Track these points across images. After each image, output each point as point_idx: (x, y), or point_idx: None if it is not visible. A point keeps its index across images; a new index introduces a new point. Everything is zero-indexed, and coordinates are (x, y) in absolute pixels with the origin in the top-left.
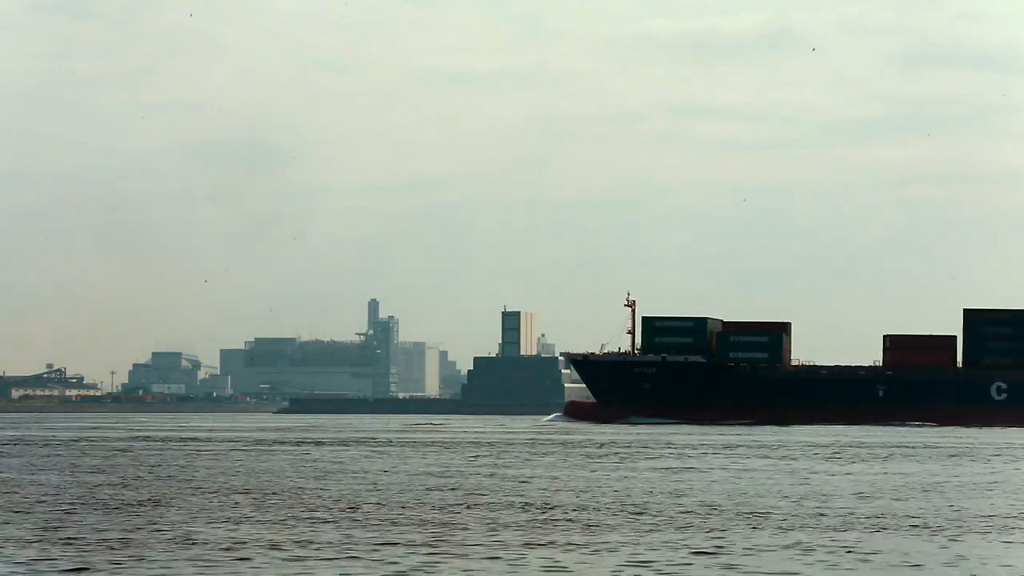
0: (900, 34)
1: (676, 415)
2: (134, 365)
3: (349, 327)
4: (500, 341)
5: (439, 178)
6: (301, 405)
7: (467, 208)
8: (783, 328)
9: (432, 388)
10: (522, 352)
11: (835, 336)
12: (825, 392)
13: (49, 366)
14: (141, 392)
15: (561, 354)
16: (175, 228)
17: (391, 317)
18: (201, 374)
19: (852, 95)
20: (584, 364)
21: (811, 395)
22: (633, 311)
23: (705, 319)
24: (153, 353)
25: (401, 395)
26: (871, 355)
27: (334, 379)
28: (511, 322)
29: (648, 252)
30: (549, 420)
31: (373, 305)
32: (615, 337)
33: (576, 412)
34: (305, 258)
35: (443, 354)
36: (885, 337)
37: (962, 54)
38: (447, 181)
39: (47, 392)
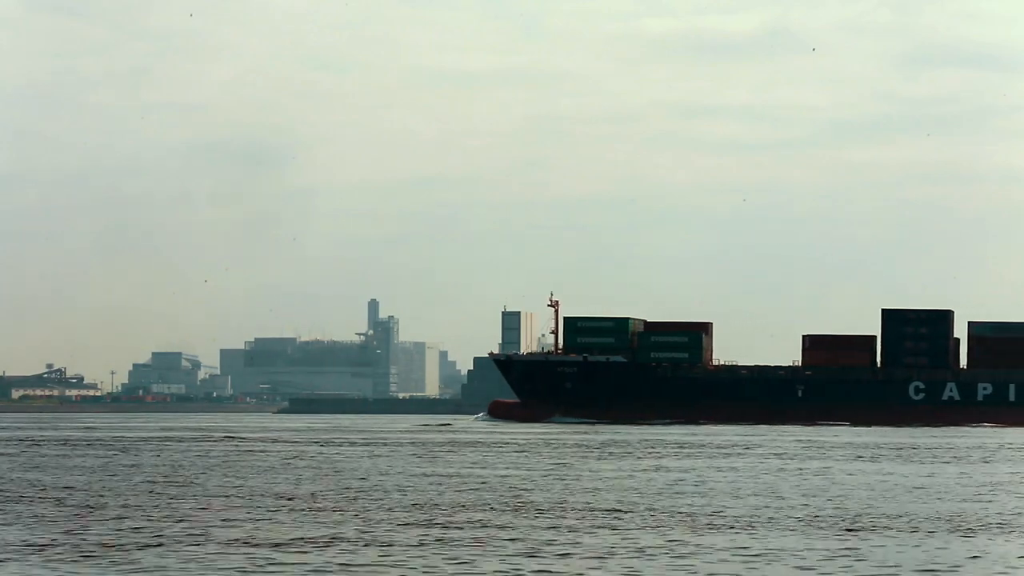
0: (900, 34)
1: (598, 414)
2: (134, 365)
3: (349, 327)
4: (500, 341)
5: (439, 178)
6: (301, 405)
7: (467, 208)
8: (703, 328)
9: (432, 388)
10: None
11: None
12: (744, 392)
13: (49, 366)
14: (141, 392)
15: (489, 354)
16: (175, 228)
17: (391, 317)
18: (201, 374)
19: (852, 95)
20: (508, 364)
21: (731, 395)
22: (556, 311)
23: (627, 319)
24: (153, 353)
25: (401, 395)
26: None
27: (334, 379)
28: (511, 322)
29: (647, 252)
30: (475, 419)
31: (373, 305)
32: (539, 337)
33: (500, 412)
34: (305, 258)
35: (443, 354)
36: (804, 337)
37: (962, 54)
38: (447, 181)
39: (47, 392)
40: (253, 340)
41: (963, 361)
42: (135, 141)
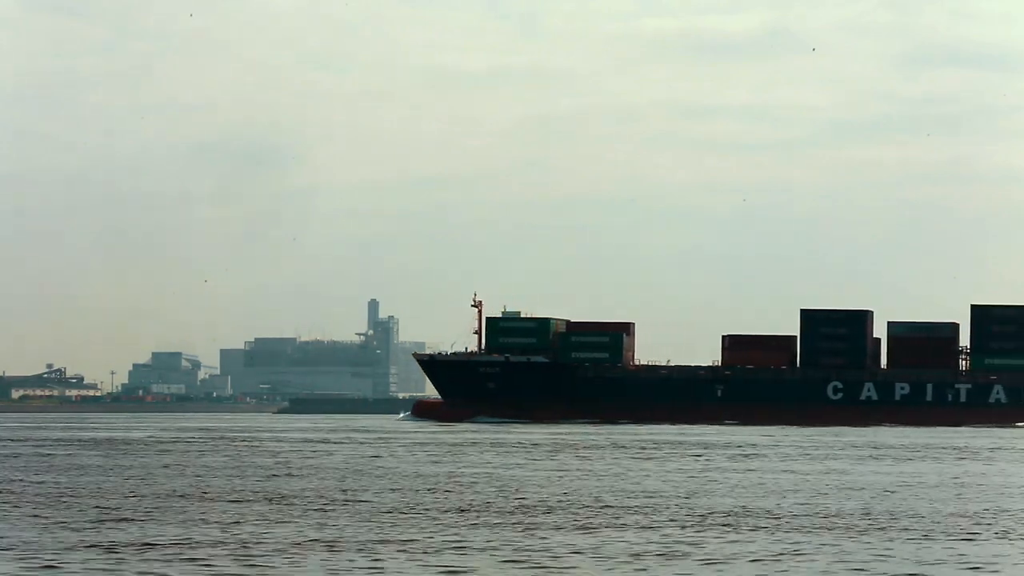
0: (900, 34)
1: (520, 414)
2: (134, 365)
3: (349, 327)
4: None
5: (439, 178)
6: (301, 405)
7: (467, 208)
8: (625, 328)
9: (432, 388)
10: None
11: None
12: (664, 392)
13: (49, 366)
14: (141, 392)
15: (413, 354)
16: (175, 228)
17: (391, 317)
18: (201, 374)
19: (852, 95)
20: (431, 364)
21: (650, 395)
22: (480, 311)
23: (548, 319)
24: (153, 353)
25: (401, 395)
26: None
27: (334, 379)
28: None
29: (647, 252)
30: (399, 419)
31: (373, 305)
32: (463, 337)
33: (424, 411)
34: (305, 258)
35: None
36: (724, 337)
37: (962, 54)
38: (447, 181)
39: (47, 392)
40: (253, 340)
41: (884, 361)
42: (135, 141)
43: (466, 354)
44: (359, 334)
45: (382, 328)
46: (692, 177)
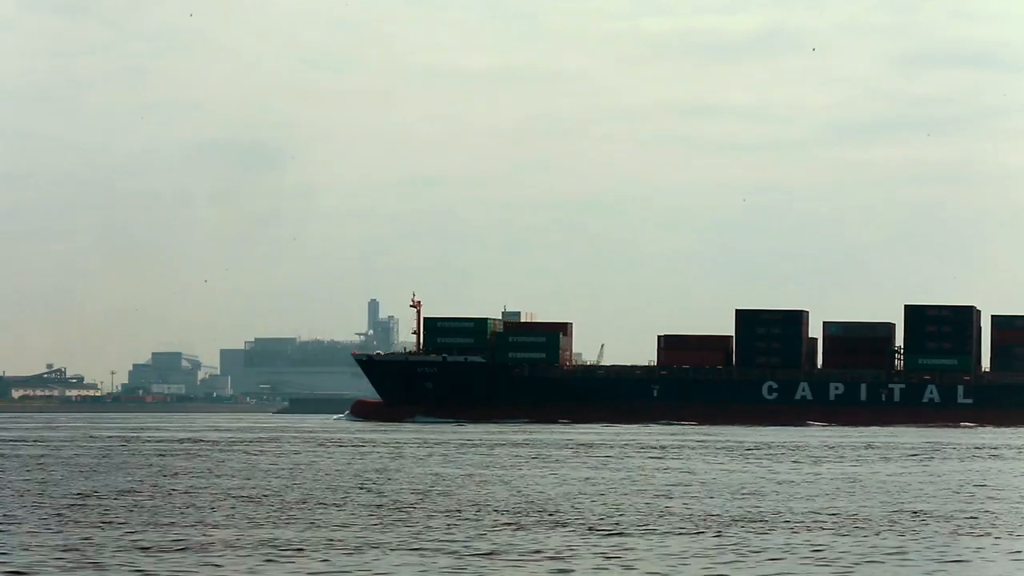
0: (900, 34)
1: (458, 414)
2: (134, 365)
3: (349, 327)
4: None
5: (439, 178)
6: (301, 405)
7: (467, 208)
8: (561, 328)
9: None
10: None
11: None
12: (600, 392)
13: (49, 366)
14: (141, 392)
15: (352, 354)
16: (175, 228)
17: (391, 317)
18: (201, 374)
19: (852, 95)
20: (370, 364)
21: (587, 395)
22: (418, 312)
23: (486, 319)
24: (153, 353)
25: None
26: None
27: (334, 379)
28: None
29: (647, 251)
30: (336, 419)
31: (373, 305)
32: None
33: (362, 411)
34: (305, 258)
35: None
36: (660, 337)
37: (962, 54)
38: (447, 181)
39: (47, 392)
40: (253, 340)
41: (820, 361)
42: (135, 141)
43: (404, 354)
44: (359, 334)
45: (382, 328)
46: (692, 177)
